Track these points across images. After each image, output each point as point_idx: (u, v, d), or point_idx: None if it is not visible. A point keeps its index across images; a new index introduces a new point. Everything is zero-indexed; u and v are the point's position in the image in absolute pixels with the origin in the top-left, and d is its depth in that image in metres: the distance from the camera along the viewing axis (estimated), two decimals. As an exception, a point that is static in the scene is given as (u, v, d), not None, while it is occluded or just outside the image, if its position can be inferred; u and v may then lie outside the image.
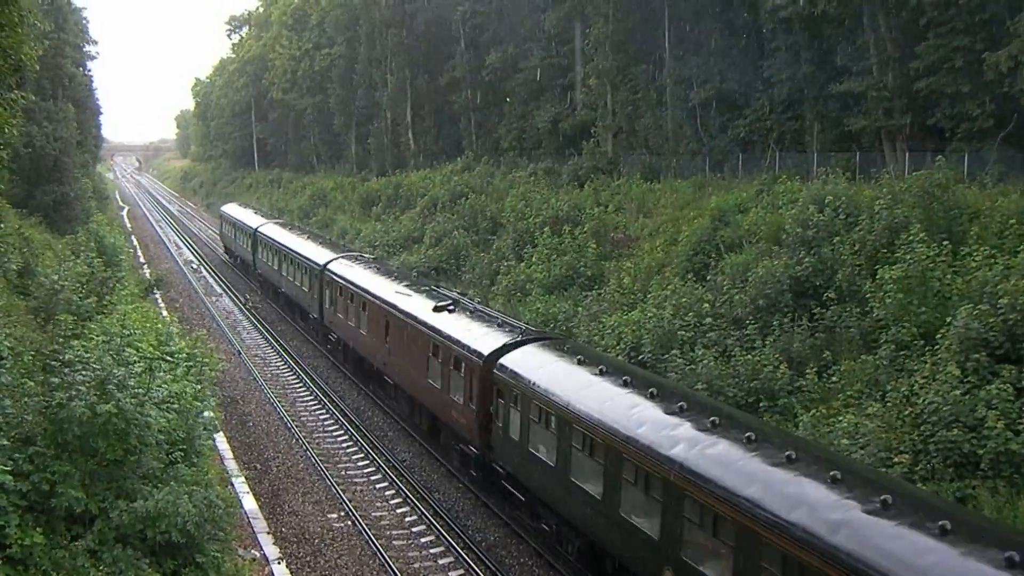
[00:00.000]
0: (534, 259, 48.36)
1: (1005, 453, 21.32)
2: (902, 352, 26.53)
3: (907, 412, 23.78)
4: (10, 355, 21.07)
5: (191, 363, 28.23)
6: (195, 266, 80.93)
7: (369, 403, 40.04)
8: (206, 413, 24.71)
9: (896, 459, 22.81)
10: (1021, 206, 29.41)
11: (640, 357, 33.38)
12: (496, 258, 52.77)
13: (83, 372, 19.05)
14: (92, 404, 17.90)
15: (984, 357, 23.67)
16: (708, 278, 36.16)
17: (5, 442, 17.13)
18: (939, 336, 25.38)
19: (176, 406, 22.49)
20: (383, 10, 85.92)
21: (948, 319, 25.43)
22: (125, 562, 17.37)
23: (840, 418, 25.49)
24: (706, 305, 34.08)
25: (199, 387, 25.80)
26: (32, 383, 19.79)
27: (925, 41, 37.94)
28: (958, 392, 22.85)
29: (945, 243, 28.58)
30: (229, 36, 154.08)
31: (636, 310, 36.91)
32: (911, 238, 29.09)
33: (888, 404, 24.76)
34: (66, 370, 19.34)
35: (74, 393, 18.13)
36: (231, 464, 31.21)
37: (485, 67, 73.39)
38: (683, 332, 33.34)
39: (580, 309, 40.43)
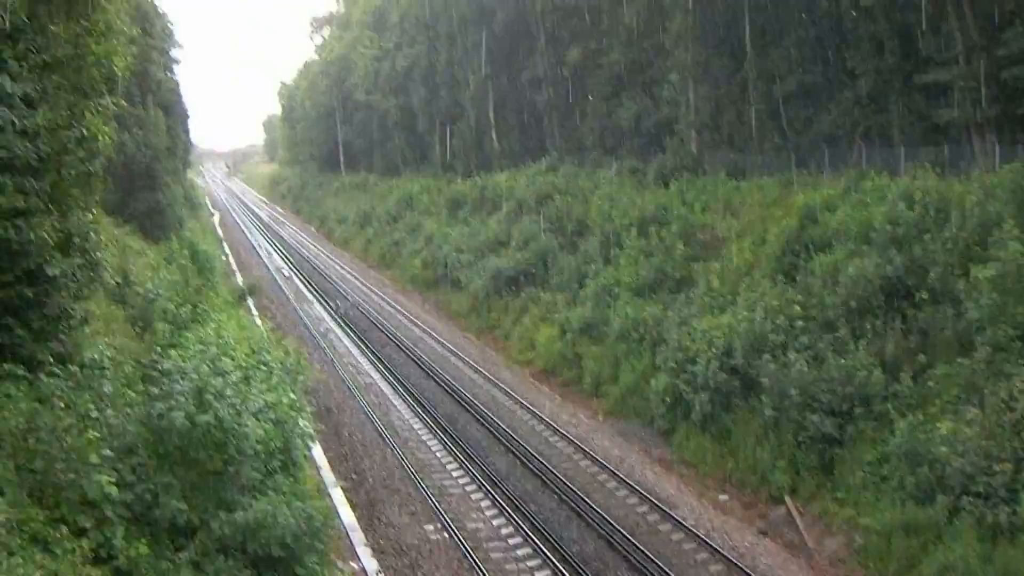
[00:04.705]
0: (622, 261, 48.18)
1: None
2: (999, 354, 25.97)
3: (1007, 418, 23.49)
4: (111, 365, 21.28)
5: (285, 372, 28.30)
6: (286, 273, 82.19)
7: (461, 410, 40.44)
8: (302, 423, 24.51)
9: (998, 467, 22.57)
10: (1122, 198, 28.66)
11: (732, 362, 33.31)
12: (583, 261, 52.78)
13: (181, 382, 19.13)
14: (191, 414, 17.94)
15: (1085, 360, 23.28)
16: (798, 279, 35.69)
17: (109, 452, 17.06)
18: (1038, 338, 24.95)
19: (272, 416, 22.42)
20: (462, 7, 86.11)
21: (1047, 320, 24.99)
22: (228, 574, 17.43)
23: (938, 424, 25.22)
24: (796, 307, 33.56)
25: (294, 396, 25.59)
26: (133, 393, 19.92)
27: (1011, 27, 37.04)
28: (1060, 398, 22.52)
29: (1042, 239, 27.92)
30: (311, 38, 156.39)
31: (727, 313, 36.72)
32: (1004, 235, 28.41)
33: (987, 410, 24.44)
34: (164, 380, 19.48)
35: (173, 403, 18.17)
36: (327, 475, 31.53)
37: (565, 63, 73.12)
38: (774, 336, 33.07)
39: (670, 313, 40.34)
